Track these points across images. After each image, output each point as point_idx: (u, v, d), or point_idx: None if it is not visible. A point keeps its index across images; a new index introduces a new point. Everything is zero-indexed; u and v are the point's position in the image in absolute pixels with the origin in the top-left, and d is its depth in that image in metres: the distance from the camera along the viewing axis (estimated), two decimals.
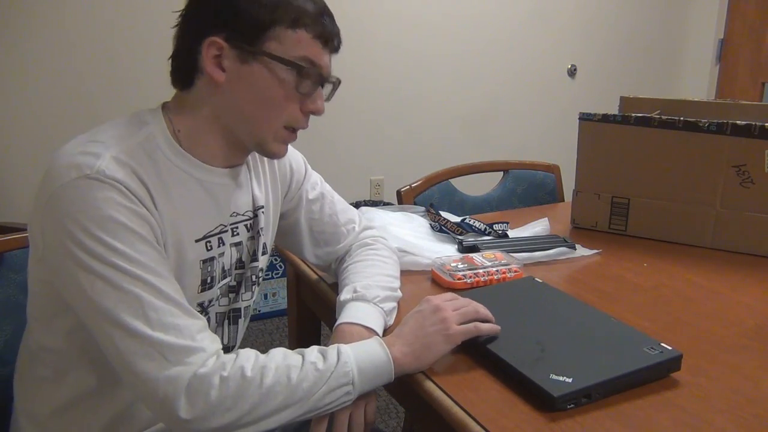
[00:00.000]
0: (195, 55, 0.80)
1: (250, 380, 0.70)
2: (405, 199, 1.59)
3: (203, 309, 0.86)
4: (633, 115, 1.32)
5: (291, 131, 0.86)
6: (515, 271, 1.08)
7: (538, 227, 1.36)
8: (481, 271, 1.06)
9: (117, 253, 0.70)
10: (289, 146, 1.04)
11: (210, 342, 0.74)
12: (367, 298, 0.89)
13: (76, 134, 0.79)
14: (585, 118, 1.38)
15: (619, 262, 1.22)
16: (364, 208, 1.32)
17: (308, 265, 1.15)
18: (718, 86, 3.56)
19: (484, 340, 0.82)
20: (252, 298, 0.97)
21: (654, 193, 1.34)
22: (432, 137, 3.01)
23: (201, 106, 0.82)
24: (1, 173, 2.23)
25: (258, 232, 0.95)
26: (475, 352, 0.83)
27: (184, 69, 0.82)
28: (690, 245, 1.31)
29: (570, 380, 0.72)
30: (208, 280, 0.85)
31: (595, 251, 1.25)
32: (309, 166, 1.07)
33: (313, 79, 0.82)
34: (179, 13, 0.82)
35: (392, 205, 1.66)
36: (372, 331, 0.84)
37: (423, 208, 1.42)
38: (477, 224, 1.31)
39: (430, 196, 1.63)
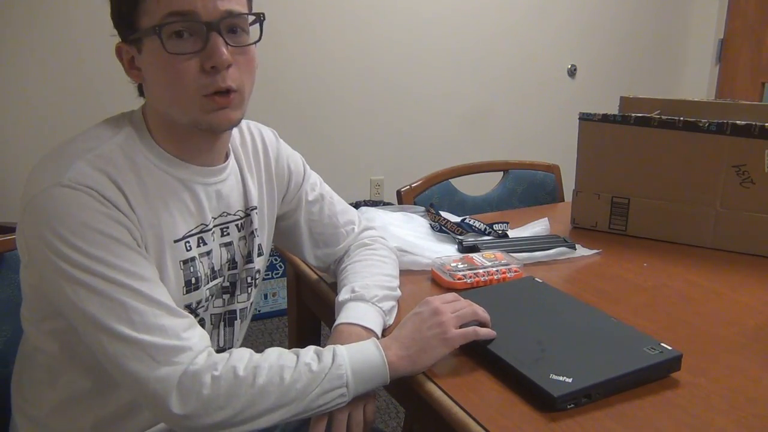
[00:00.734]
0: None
1: (242, 379, 0.71)
2: (405, 199, 1.59)
3: (192, 311, 0.85)
4: (633, 115, 1.32)
5: (217, 96, 0.76)
6: (515, 271, 1.08)
7: (538, 227, 1.36)
8: (481, 271, 1.06)
9: (95, 259, 0.70)
10: (288, 147, 1.04)
11: (198, 339, 0.74)
12: (366, 297, 0.89)
13: (76, 134, 0.79)
14: (585, 118, 1.38)
15: (619, 262, 1.22)
16: (364, 208, 1.32)
17: (308, 265, 1.15)
18: (718, 86, 3.56)
19: (483, 341, 0.82)
20: (249, 300, 0.96)
21: (654, 193, 1.34)
22: (432, 137, 3.01)
23: (150, 106, 0.83)
24: (1, 173, 2.23)
25: (251, 232, 0.94)
26: (475, 352, 0.83)
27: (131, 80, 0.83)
28: (690, 245, 1.31)
29: (570, 380, 0.72)
30: (193, 281, 0.84)
31: (595, 251, 1.25)
32: (308, 167, 1.07)
33: (192, 34, 0.74)
34: None
35: (392, 205, 1.66)
36: (370, 331, 0.84)
37: (423, 208, 1.42)
38: (477, 224, 1.31)
39: (430, 196, 1.63)
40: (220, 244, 0.89)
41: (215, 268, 0.88)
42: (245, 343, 0.99)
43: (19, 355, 0.89)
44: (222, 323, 0.93)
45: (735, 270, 1.19)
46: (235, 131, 0.94)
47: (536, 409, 0.71)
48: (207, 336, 0.77)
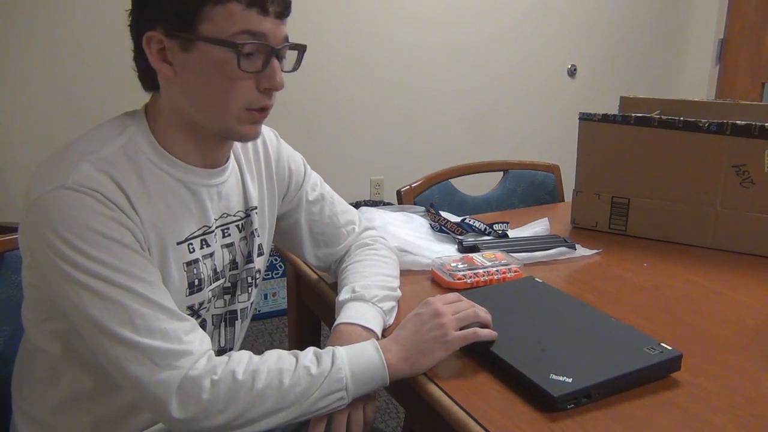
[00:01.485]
0: (145, 55, 0.77)
1: (241, 383, 0.71)
2: (405, 199, 1.59)
3: (194, 312, 0.85)
4: (633, 115, 1.32)
5: (256, 111, 0.80)
6: (515, 271, 1.08)
7: (538, 227, 1.36)
8: (481, 271, 1.06)
9: (98, 262, 0.70)
10: (289, 147, 1.04)
11: (199, 343, 0.74)
12: (366, 297, 0.89)
13: (77, 134, 0.79)
14: (585, 118, 1.38)
15: (619, 262, 1.22)
16: (364, 208, 1.32)
17: (308, 265, 1.15)
18: (718, 86, 3.56)
19: (484, 341, 0.82)
20: (249, 299, 0.96)
21: (654, 193, 1.34)
22: (432, 137, 3.01)
23: (165, 103, 0.81)
24: (1, 173, 2.23)
25: (252, 233, 0.94)
26: (476, 352, 0.83)
27: (144, 71, 0.81)
28: (690, 245, 1.31)
29: (570, 380, 0.72)
30: (196, 283, 0.84)
31: (595, 251, 1.25)
32: (309, 167, 1.06)
33: (257, 54, 0.76)
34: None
35: (392, 205, 1.66)
36: (370, 332, 0.84)
37: (423, 208, 1.42)
38: (477, 224, 1.31)
39: (430, 196, 1.63)
40: (221, 245, 0.89)
41: (217, 270, 0.88)
42: (245, 343, 0.99)
43: (19, 355, 0.89)
44: (223, 323, 0.93)
45: (735, 270, 1.19)
46: None
47: (536, 409, 0.71)
48: (208, 339, 0.77)
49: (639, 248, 1.30)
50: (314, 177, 1.07)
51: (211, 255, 0.87)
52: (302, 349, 0.77)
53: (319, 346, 0.79)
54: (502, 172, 1.83)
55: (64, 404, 0.84)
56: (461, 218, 1.33)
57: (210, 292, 0.87)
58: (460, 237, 1.26)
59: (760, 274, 1.16)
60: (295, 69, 0.84)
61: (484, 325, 0.83)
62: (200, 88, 0.78)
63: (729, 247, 1.28)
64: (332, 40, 2.69)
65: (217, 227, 0.88)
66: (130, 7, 0.78)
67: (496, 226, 1.31)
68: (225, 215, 0.90)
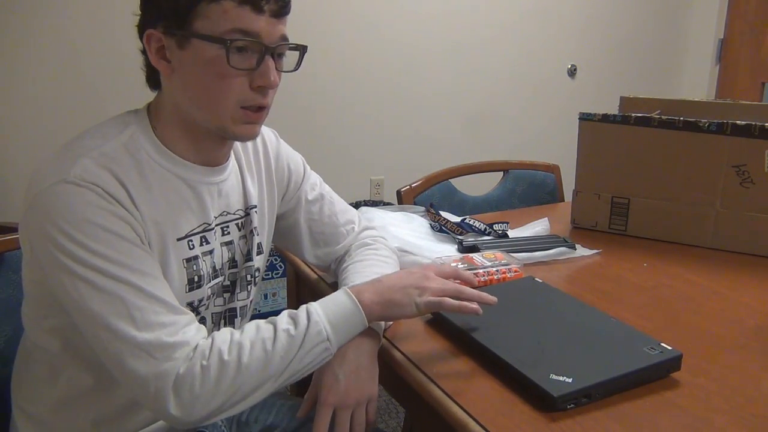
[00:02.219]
0: (147, 53, 0.80)
1: (228, 363, 0.72)
2: (405, 199, 1.59)
3: (194, 309, 0.86)
4: (633, 115, 1.32)
5: (252, 111, 0.80)
6: (515, 271, 1.08)
7: (538, 227, 1.36)
8: (481, 271, 1.06)
9: (98, 255, 0.71)
10: (288, 147, 1.04)
11: (195, 333, 0.75)
12: None
13: (76, 134, 0.79)
14: (585, 118, 1.38)
15: (619, 262, 1.22)
16: (364, 208, 1.32)
17: (308, 265, 1.15)
18: (718, 86, 3.56)
19: (480, 337, 0.82)
20: (249, 297, 0.97)
21: (654, 193, 1.34)
22: (432, 137, 3.01)
23: (167, 102, 0.82)
24: (1, 173, 2.23)
25: (251, 231, 0.94)
26: (475, 352, 0.83)
27: (150, 69, 0.82)
28: (690, 245, 1.31)
29: (570, 380, 0.72)
30: (195, 279, 0.84)
31: (595, 251, 1.25)
32: (308, 167, 1.07)
33: (251, 52, 0.76)
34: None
35: (392, 205, 1.66)
36: (371, 331, 0.84)
37: (423, 208, 1.42)
38: (477, 224, 1.31)
39: (430, 196, 1.63)
40: (221, 243, 0.90)
41: (217, 267, 0.89)
42: None
43: (19, 354, 0.90)
44: (222, 321, 0.94)
45: (735, 270, 1.19)
46: None
47: (536, 409, 0.71)
48: (204, 330, 0.77)
49: (639, 248, 1.30)
50: (314, 177, 1.07)
51: (211, 252, 0.87)
52: None
53: None
54: (502, 172, 1.83)
55: (64, 402, 0.84)
56: (461, 218, 1.33)
57: (209, 289, 0.87)
58: (460, 237, 1.26)
59: (760, 274, 1.16)
60: (295, 69, 0.84)
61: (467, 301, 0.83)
62: (195, 86, 0.78)
63: (729, 247, 1.28)
64: (332, 41, 2.69)
65: (216, 225, 0.89)
66: (132, 7, 0.79)
67: (496, 226, 1.31)
68: (225, 213, 0.90)
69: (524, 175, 1.82)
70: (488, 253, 1.14)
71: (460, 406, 0.72)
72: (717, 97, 3.53)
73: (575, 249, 1.24)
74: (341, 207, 1.07)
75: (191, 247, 0.84)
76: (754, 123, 1.21)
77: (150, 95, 0.86)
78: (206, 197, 0.86)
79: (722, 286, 1.11)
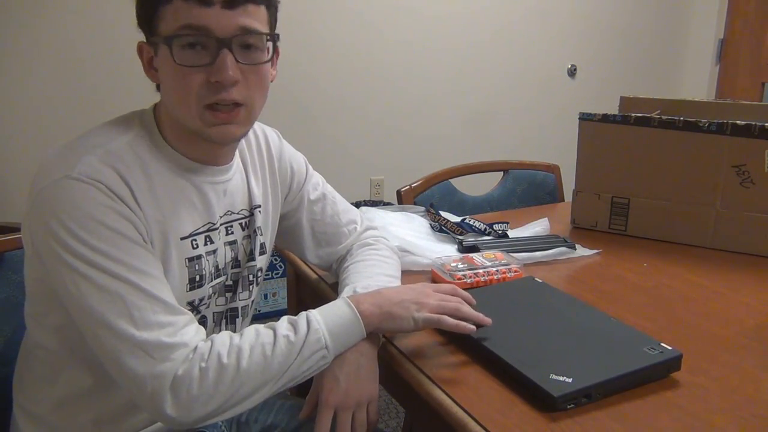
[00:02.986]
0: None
1: (227, 366, 0.72)
2: (405, 199, 1.59)
3: (194, 307, 0.86)
4: (633, 115, 1.32)
5: (220, 111, 0.77)
6: (515, 271, 1.08)
7: (538, 227, 1.36)
8: (481, 271, 1.06)
9: (99, 253, 0.71)
10: (291, 147, 1.04)
11: (194, 334, 0.75)
12: None
13: (76, 134, 0.79)
14: (585, 118, 1.38)
15: (619, 262, 1.22)
16: (364, 208, 1.32)
17: (308, 265, 1.15)
18: (718, 86, 3.56)
19: (480, 338, 0.82)
20: (250, 297, 0.97)
21: (654, 193, 1.34)
22: (432, 137, 3.01)
23: (162, 105, 0.83)
24: (1, 173, 2.23)
25: (255, 231, 0.94)
26: (475, 352, 0.83)
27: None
28: (690, 245, 1.31)
29: (570, 380, 0.72)
30: (197, 279, 0.84)
31: (595, 251, 1.25)
32: (310, 167, 1.07)
33: (204, 48, 0.74)
34: None
35: (392, 205, 1.66)
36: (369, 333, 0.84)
37: (423, 208, 1.42)
38: (477, 224, 1.31)
39: (430, 196, 1.63)
40: (224, 243, 0.90)
41: (219, 267, 0.89)
42: None
43: (20, 352, 0.90)
44: (224, 321, 0.94)
45: (735, 270, 1.19)
46: None
47: (536, 409, 0.71)
48: (203, 330, 0.77)
49: (639, 248, 1.30)
50: (316, 177, 1.07)
51: (214, 252, 0.87)
52: None
53: None
54: (502, 172, 1.83)
55: (64, 402, 0.84)
56: (461, 218, 1.33)
57: (210, 289, 0.87)
58: (460, 237, 1.26)
59: (760, 274, 1.16)
60: (269, 60, 0.80)
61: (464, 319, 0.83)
62: (166, 90, 0.80)
63: (729, 247, 1.28)
64: (332, 41, 2.69)
65: (221, 224, 0.89)
66: (132, 7, 0.80)
67: (496, 226, 1.31)
68: (229, 213, 0.90)
69: (524, 175, 1.82)
70: (488, 253, 1.14)
71: (460, 406, 0.72)
72: (717, 97, 3.53)
73: (575, 249, 1.24)
74: (343, 207, 1.07)
75: (195, 246, 0.84)
76: (754, 123, 1.21)
77: (150, 95, 0.86)
78: (211, 197, 0.86)
79: (722, 286, 1.11)
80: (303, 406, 0.83)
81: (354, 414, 0.78)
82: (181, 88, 0.76)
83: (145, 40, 0.80)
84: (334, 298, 0.94)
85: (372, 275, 0.95)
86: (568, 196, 1.56)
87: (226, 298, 0.93)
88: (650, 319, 0.96)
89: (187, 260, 0.83)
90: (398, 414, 1.98)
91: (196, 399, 0.70)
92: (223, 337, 0.75)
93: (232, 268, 0.92)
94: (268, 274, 2.57)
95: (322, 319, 0.78)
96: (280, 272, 2.59)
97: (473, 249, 1.19)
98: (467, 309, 0.84)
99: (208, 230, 0.86)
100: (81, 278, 0.70)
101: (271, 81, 0.84)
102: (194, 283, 0.84)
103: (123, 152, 0.77)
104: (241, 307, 0.95)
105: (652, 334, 0.84)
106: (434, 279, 1.08)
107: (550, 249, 1.22)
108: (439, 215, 1.32)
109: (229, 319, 0.94)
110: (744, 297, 1.06)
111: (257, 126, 1.00)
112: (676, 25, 3.58)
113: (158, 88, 0.84)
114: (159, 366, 0.70)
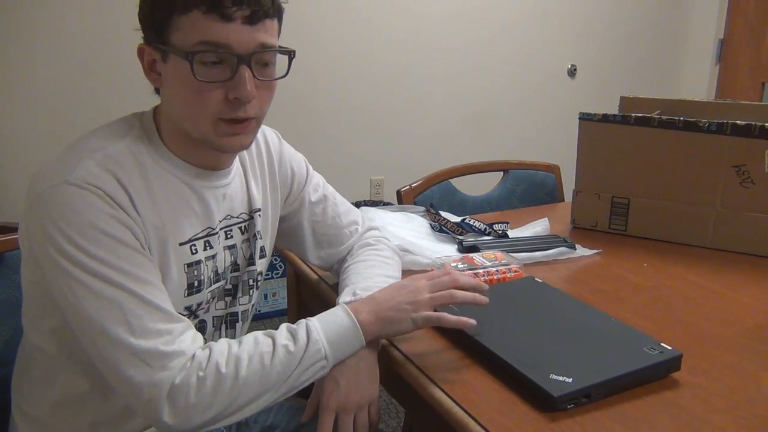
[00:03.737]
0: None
1: (225, 375, 0.72)
2: (405, 199, 1.59)
3: (192, 313, 0.85)
4: (633, 115, 1.32)
5: (236, 122, 0.77)
6: (515, 271, 1.08)
7: (538, 227, 1.36)
8: (481, 271, 1.06)
9: (96, 259, 0.70)
10: (291, 148, 1.04)
11: (190, 343, 0.74)
12: None
13: (76, 134, 0.79)
14: (585, 118, 1.38)
15: (619, 262, 1.22)
16: (364, 208, 1.32)
17: (308, 265, 1.15)
18: (718, 86, 3.56)
19: (480, 338, 0.82)
20: (250, 302, 0.96)
21: (654, 193, 1.34)
22: (432, 137, 3.01)
23: (164, 110, 0.82)
24: (1, 173, 2.23)
25: (254, 234, 0.94)
26: (475, 352, 0.83)
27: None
28: (690, 245, 1.31)
29: (570, 380, 0.72)
30: (195, 284, 0.84)
31: (595, 251, 1.25)
32: (311, 168, 1.06)
33: (223, 63, 0.74)
34: None
35: (392, 205, 1.66)
36: None
37: (423, 208, 1.42)
38: (477, 224, 1.31)
39: (430, 196, 1.63)
40: (224, 247, 0.89)
41: (218, 271, 0.88)
42: None
43: (19, 354, 0.90)
44: (224, 325, 0.93)
45: (735, 270, 1.19)
46: None
47: (536, 409, 0.71)
48: (200, 337, 0.77)
49: (639, 248, 1.30)
50: (317, 178, 1.07)
51: (214, 257, 0.87)
52: None
53: None
54: (502, 172, 1.83)
55: (62, 404, 0.84)
56: (461, 218, 1.33)
57: (209, 293, 0.87)
58: (460, 237, 1.26)
59: (760, 274, 1.16)
60: (284, 76, 0.80)
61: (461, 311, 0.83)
62: (176, 99, 0.78)
63: (729, 247, 1.28)
64: (332, 41, 2.69)
65: (220, 229, 0.88)
66: (132, 7, 0.80)
67: (496, 226, 1.31)
68: (228, 217, 0.90)
69: (524, 175, 1.82)
70: (488, 253, 1.14)
71: (460, 406, 0.72)
72: (717, 97, 3.53)
73: (575, 249, 1.24)
74: (344, 208, 1.07)
75: (194, 251, 0.83)
76: (754, 123, 1.21)
77: (151, 97, 0.86)
78: (211, 202, 0.85)
79: (722, 286, 1.11)
80: (303, 406, 0.83)
81: (355, 416, 0.78)
82: (197, 102, 0.75)
83: (144, 42, 0.78)
84: (335, 299, 0.94)
85: (371, 276, 0.95)
86: (568, 196, 1.56)
87: (226, 302, 0.92)
88: (650, 319, 0.96)
89: (186, 266, 0.82)
90: (398, 414, 1.98)
91: (194, 407, 0.70)
92: (222, 346, 0.74)
93: (231, 272, 0.92)
94: (268, 274, 2.57)
95: (322, 328, 0.78)
96: (280, 272, 2.59)
97: (473, 249, 1.19)
98: (461, 294, 0.84)
99: (208, 235, 0.86)
100: (78, 285, 0.70)
101: None
102: (192, 289, 0.84)
103: (122, 156, 0.76)
104: (241, 312, 0.95)
105: (652, 334, 0.84)
106: None
107: (550, 249, 1.22)
108: (439, 215, 1.32)
109: (228, 323, 0.94)
110: (744, 297, 1.06)
111: None
112: (676, 25, 3.58)
113: (157, 91, 0.83)
114: (156, 375, 0.70)
